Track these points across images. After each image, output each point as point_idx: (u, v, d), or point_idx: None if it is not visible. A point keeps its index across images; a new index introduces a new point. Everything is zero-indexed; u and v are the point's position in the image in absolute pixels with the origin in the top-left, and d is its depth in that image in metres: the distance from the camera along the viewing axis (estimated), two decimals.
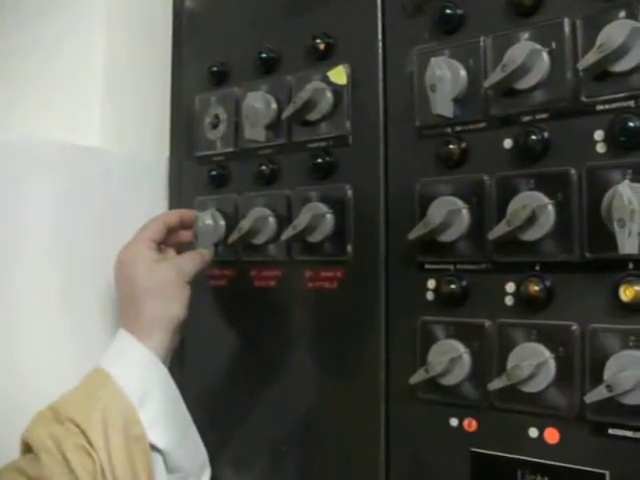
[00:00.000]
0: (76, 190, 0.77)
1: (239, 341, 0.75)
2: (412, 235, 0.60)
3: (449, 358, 0.58)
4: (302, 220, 0.66)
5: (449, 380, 0.59)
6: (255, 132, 0.72)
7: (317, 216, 0.67)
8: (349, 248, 0.66)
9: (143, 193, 0.83)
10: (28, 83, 0.93)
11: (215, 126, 0.77)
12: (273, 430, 0.72)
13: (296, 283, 0.70)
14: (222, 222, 0.75)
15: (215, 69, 0.78)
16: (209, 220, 0.75)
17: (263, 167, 0.72)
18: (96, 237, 0.78)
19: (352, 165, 0.67)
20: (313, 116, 0.68)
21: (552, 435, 0.55)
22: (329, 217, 0.67)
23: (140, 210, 0.82)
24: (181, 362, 0.80)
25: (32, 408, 0.64)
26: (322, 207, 0.67)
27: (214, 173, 0.77)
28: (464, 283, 0.60)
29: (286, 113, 0.68)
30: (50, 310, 0.75)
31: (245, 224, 0.70)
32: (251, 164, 0.74)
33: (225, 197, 0.76)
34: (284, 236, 0.67)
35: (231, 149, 0.76)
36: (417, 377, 0.60)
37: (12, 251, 0.73)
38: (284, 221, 0.70)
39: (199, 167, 0.79)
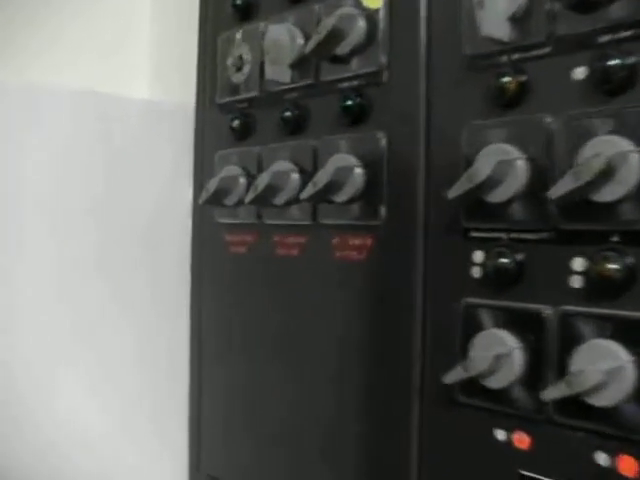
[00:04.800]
0: (86, 139, 0.69)
1: (258, 315, 0.64)
2: (453, 193, 0.47)
3: (495, 354, 0.45)
4: (324, 175, 0.54)
5: (495, 382, 0.46)
6: (278, 71, 0.60)
7: (343, 170, 0.54)
8: (382, 210, 0.54)
9: (166, 145, 0.73)
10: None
11: (239, 68, 0.66)
12: (287, 423, 0.61)
13: (322, 252, 0.58)
14: (243, 179, 0.64)
15: (239, 2, 0.66)
16: None
17: (288, 113, 0.61)
18: (109, 201, 0.70)
19: (387, 108, 0.54)
20: (342, 49, 0.56)
21: (628, 465, 0.41)
22: (358, 172, 0.54)
23: (163, 164, 0.73)
24: (199, 332, 0.71)
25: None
26: (349, 159, 0.55)
27: (236, 123, 0.66)
28: (519, 257, 0.46)
29: (309, 46, 0.56)
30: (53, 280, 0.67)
31: (262, 181, 0.59)
32: (275, 110, 0.62)
33: (248, 150, 0.65)
34: (303, 194, 0.55)
35: (255, 93, 0.64)
36: (453, 376, 0.47)
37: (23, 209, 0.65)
38: (310, 177, 0.58)
39: (221, 116, 0.68)
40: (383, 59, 0.54)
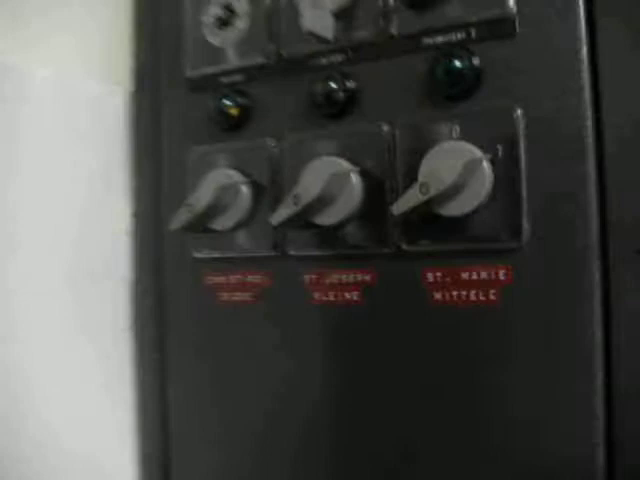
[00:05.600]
0: None
1: (288, 398, 0.43)
2: None
3: None
4: (428, 175, 0.35)
5: None
6: (318, 21, 0.39)
7: (453, 169, 0.35)
8: (525, 227, 0.36)
9: (79, 143, 0.48)
10: None
11: (225, 23, 0.44)
12: None
13: (406, 294, 0.39)
14: (246, 189, 0.43)
15: None
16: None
17: (331, 85, 0.40)
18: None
19: (519, 72, 0.36)
20: None
21: None
22: (485, 168, 0.36)
23: (80, 170, 0.48)
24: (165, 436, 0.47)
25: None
26: (466, 150, 0.36)
27: (227, 104, 0.44)
28: None
29: None
30: None
31: (307, 188, 0.38)
32: (302, 84, 0.41)
33: (250, 145, 0.43)
34: (397, 209, 0.35)
35: (260, 60, 0.43)
36: None
37: None
38: (379, 182, 0.39)
39: (192, 96, 0.46)
40: (511, 1, 0.36)
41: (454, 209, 0.36)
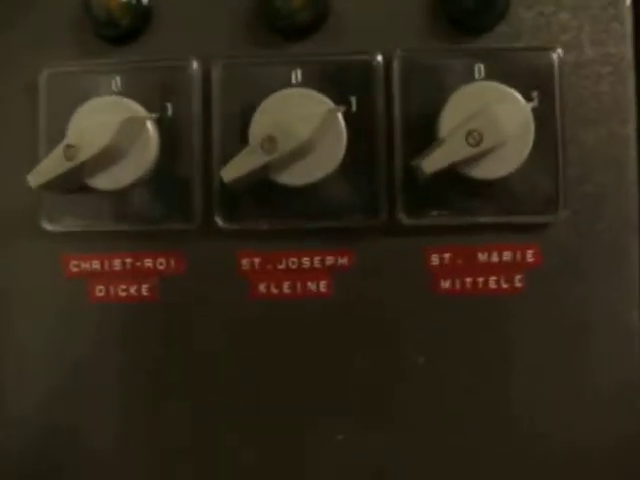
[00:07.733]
0: None
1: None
2: None
3: None
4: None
5: None
6: None
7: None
8: (559, 201, 0.28)
9: None
10: None
11: None
12: None
13: (404, 280, 0.29)
14: (152, 128, 0.28)
15: None
16: None
17: None
18: None
19: None
20: None
21: None
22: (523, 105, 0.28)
23: None
24: None
25: None
26: (497, 88, 0.28)
27: (119, 3, 0.29)
28: None
29: None
30: None
31: (292, 135, 0.26)
32: None
33: (152, 65, 0.29)
34: (430, 163, 0.26)
35: None
36: None
37: None
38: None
39: None
40: None
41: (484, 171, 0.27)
